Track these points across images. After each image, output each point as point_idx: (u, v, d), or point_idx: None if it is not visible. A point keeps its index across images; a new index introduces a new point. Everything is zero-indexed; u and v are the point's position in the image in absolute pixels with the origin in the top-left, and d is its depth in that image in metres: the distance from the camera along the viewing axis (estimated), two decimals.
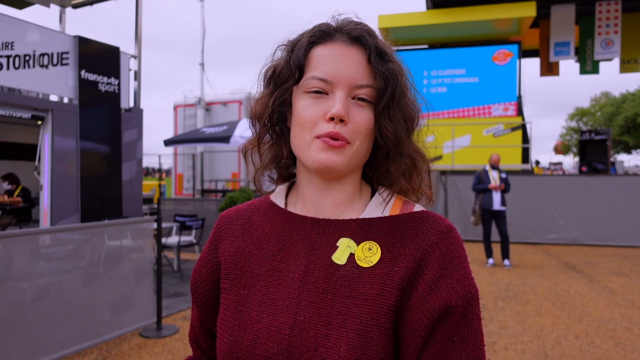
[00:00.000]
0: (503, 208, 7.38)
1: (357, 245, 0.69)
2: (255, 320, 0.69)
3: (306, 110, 0.69)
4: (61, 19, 9.07)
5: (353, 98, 0.69)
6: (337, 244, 0.70)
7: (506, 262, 7.47)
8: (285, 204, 0.79)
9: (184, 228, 6.70)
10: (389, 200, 0.74)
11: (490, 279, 6.47)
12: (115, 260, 4.18)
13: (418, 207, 0.74)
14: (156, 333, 4.24)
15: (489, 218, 7.45)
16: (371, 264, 0.67)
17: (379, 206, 0.73)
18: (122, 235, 4.33)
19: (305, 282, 0.69)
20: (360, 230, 0.71)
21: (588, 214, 9.61)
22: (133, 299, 4.25)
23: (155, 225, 7.25)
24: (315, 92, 0.68)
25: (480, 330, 0.66)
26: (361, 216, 0.72)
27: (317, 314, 0.66)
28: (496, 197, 7.35)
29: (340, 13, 0.75)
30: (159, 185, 14.75)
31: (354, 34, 0.70)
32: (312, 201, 0.74)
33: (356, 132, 0.68)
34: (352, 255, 0.69)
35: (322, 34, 0.71)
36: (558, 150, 41.40)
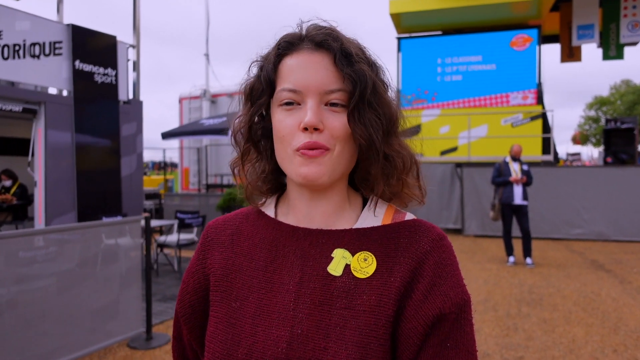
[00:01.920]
0: (525, 202, 6.87)
1: (352, 255, 0.69)
2: (250, 333, 0.68)
3: (281, 124, 0.69)
4: (59, 9, 8.74)
5: (326, 104, 0.68)
6: (332, 255, 0.70)
7: (528, 260, 6.97)
8: (276, 214, 0.78)
9: (183, 226, 6.34)
10: (381, 209, 0.75)
11: (512, 280, 5.99)
12: (101, 263, 3.81)
13: (409, 216, 0.75)
14: (145, 344, 3.87)
15: (510, 213, 6.94)
16: (367, 275, 0.68)
17: (371, 215, 0.74)
18: (108, 236, 3.97)
19: (300, 294, 0.68)
20: (355, 240, 0.71)
21: (614, 207, 9.02)
22: (121, 305, 3.89)
23: (153, 223, 6.92)
24: (286, 103, 0.68)
25: (472, 336, 0.67)
26: (354, 226, 0.73)
27: (315, 326, 0.66)
28: (517, 190, 6.84)
29: (306, 20, 0.74)
30: (165, 180, 14.47)
31: (317, 40, 0.69)
32: (302, 213, 0.74)
33: (334, 138, 0.67)
34: (347, 267, 0.69)
35: (287, 45, 0.71)
36: (576, 140, 40.27)
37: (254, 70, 0.75)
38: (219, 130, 6.26)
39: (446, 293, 0.65)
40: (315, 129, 0.66)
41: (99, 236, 3.85)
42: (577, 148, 41.46)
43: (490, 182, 7.45)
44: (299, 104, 0.68)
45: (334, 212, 0.73)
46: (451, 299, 0.65)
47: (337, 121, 0.67)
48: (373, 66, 0.72)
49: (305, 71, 0.67)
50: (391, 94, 0.74)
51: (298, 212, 0.74)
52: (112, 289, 3.83)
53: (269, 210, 0.79)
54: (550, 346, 3.75)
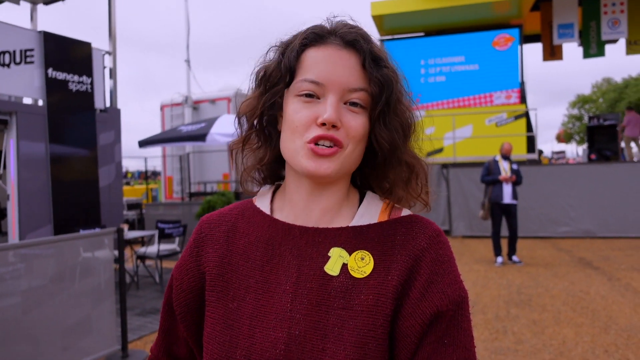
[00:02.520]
0: (514, 202, 6.82)
1: (349, 254, 0.68)
2: (247, 335, 0.67)
3: (297, 114, 0.67)
4: (32, 17, 8.52)
5: (345, 103, 0.67)
6: (329, 254, 0.69)
7: (515, 258, 6.93)
8: (271, 209, 0.76)
9: (163, 236, 6.15)
10: (377, 206, 0.74)
11: (500, 281, 5.91)
12: (73, 278, 3.63)
13: (405, 211, 0.74)
14: None
15: (499, 212, 6.88)
16: (365, 274, 0.67)
17: (368, 212, 0.73)
18: (81, 249, 3.78)
19: (297, 295, 0.67)
20: (351, 239, 0.70)
21: (600, 204, 9.03)
22: (94, 321, 3.70)
23: (132, 234, 6.72)
24: (307, 95, 0.67)
25: (470, 333, 0.67)
26: (351, 224, 0.71)
27: (312, 327, 0.65)
28: (507, 189, 6.78)
29: (335, 15, 0.73)
30: (149, 190, 14.21)
31: (348, 38, 0.68)
32: (300, 207, 0.73)
33: (349, 137, 0.67)
34: (344, 266, 0.68)
35: (315, 37, 0.69)
36: (560, 138, 40.74)
37: (271, 55, 0.73)
38: (198, 137, 6.09)
39: (443, 290, 0.65)
40: (333, 126, 0.65)
41: (71, 250, 3.67)
42: (561, 146, 41.93)
43: (479, 181, 7.39)
44: (318, 98, 0.67)
45: (333, 208, 0.72)
46: (448, 296, 0.65)
47: (355, 121, 0.67)
48: (396, 73, 0.72)
49: (331, 66, 0.67)
50: (407, 101, 0.75)
51: (295, 205, 0.73)
52: (85, 305, 3.65)
53: (264, 205, 0.77)
54: (540, 349, 3.66)
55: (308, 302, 0.67)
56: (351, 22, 0.72)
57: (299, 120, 0.67)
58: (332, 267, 0.68)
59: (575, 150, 39.54)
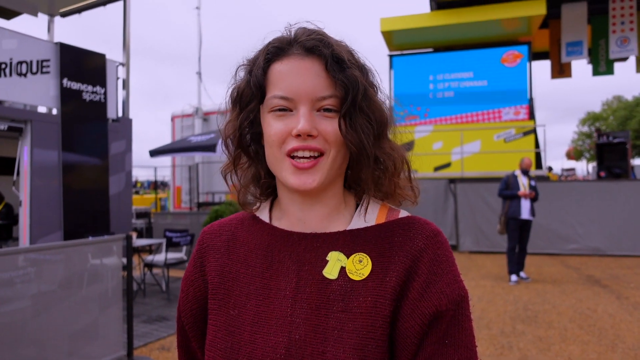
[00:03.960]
0: (531, 218, 6.76)
1: (347, 258, 0.69)
2: (249, 340, 0.68)
3: (272, 129, 0.68)
4: (50, 29, 8.75)
5: (319, 110, 0.67)
6: (327, 258, 0.70)
7: (522, 274, 6.86)
8: (270, 218, 0.77)
9: (171, 244, 6.20)
10: (375, 208, 0.74)
11: (507, 297, 5.86)
12: (81, 283, 3.68)
13: (403, 213, 0.74)
14: None
15: (516, 228, 6.74)
16: (363, 277, 0.67)
17: (365, 215, 0.73)
18: (89, 255, 3.84)
19: (297, 299, 0.68)
20: (349, 242, 0.70)
21: (609, 222, 8.94)
22: (100, 327, 3.74)
23: (140, 242, 6.78)
24: (279, 109, 0.68)
25: (471, 332, 0.67)
26: (348, 227, 0.72)
27: (312, 331, 0.66)
28: (525, 205, 6.71)
29: (294, 23, 0.72)
30: (159, 199, 14.33)
31: (308, 45, 0.68)
32: (296, 217, 0.73)
33: (329, 143, 0.67)
34: (343, 269, 0.68)
35: (277, 50, 0.69)
36: (570, 156, 40.44)
37: (241, 74, 0.74)
38: (208, 147, 6.18)
39: (442, 290, 0.65)
40: (309, 136, 0.66)
41: (79, 255, 3.73)
42: (571, 163, 41.60)
43: (487, 196, 7.36)
44: (291, 110, 0.67)
45: (330, 215, 0.73)
46: (447, 295, 0.65)
47: (331, 126, 0.67)
48: (363, 69, 0.71)
49: (297, 78, 0.67)
50: (381, 96, 0.73)
51: (291, 215, 0.74)
52: (92, 310, 3.69)
53: (264, 214, 0.78)
54: None
55: (308, 306, 0.67)
56: (311, 27, 0.72)
57: (275, 135, 0.67)
58: (331, 271, 0.69)
59: (585, 168, 39.21)
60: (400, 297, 0.66)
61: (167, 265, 6.13)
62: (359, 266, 0.68)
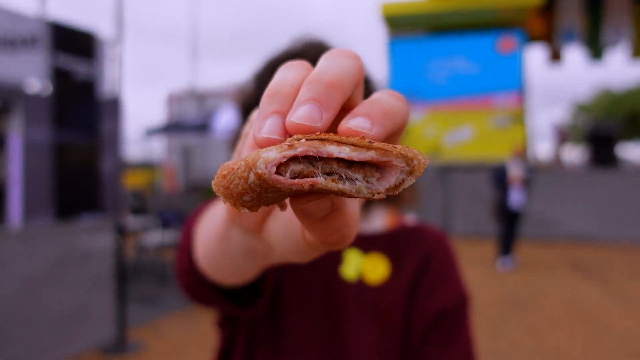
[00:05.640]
0: (523, 206, 6.86)
1: (363, 261, 0.73)
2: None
3: None
4: (40, 4, 8.48)
5: None
6: (344, 261, 0.73)
7: (509, 259, 6.98)
8: None
9: (164, 225, 6.17)
10: (383, 214, 0.78)
11: (496, 284, 5.96)
12: (72, 264, 3.66)
13: (411, 218, 0.80)
14: (118, 348, 3.73)
15: (508, 215, 6.88)
16: (378, 279, 0.72)
17: (376, 221, 0.77)
18: (81, 236, 3.81)
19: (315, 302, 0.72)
20: (364, 247, 0.74)
21: (596, 208, 9.09)
22: (93, 308, 3.74)
23: (133, 223, 6.74)
24: None
25: (472, 332, 0.73)
26: (362, 232, 0.76)
27: (331, 332, 0.69)
28: (518, 193, 6.81)
29: (299, 37, 0.75)
30: (152, 180, 14.21)
31: (315, 60, 0.68)
32: None
33: None
34: (360, 272, 0.72)
35: None
36: (560, 143, 40.77)
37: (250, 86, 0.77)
38: (202, 128, 6.13)
39: (447, 290, 0.71)
40: None
41: (71, 236, 3.70)
42: (561, 151, 41.90)
43: (477, 182, 7.43)
44: None
45: None
46: (452, 295, 0.71)
47: None
48: (367, 82, 0.72)
49: None
50: None
51: None
52: (83, 291, 3.68)
53: None
54: (535, 353, 3.71)
55: (326, 308, 0.71)
56: (315, 41, 0.74)
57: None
58: (348, 274, 0.72)
59: (574, 156, 39.64)
60: (411, 297, 0.71)
61: (161, 246, 6.11)
62: (375, 269, 0.72)
